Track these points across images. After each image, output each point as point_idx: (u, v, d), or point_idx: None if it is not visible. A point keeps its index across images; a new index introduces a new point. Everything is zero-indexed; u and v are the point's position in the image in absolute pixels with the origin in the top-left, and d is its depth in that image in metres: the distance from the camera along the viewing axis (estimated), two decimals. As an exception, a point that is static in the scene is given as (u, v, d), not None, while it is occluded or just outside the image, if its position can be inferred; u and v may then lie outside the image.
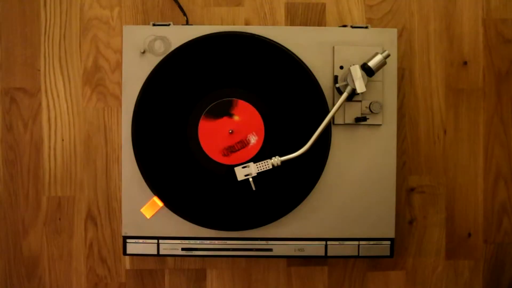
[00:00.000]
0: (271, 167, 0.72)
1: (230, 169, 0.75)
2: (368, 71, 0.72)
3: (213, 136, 0.74)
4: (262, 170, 0.72)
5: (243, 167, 0.72)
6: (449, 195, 0.86)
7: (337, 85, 0.74)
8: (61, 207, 0.85)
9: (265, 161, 0.72)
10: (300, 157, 0.75)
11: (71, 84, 0.85)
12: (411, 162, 0.86)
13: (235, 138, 0.74)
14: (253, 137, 0.74)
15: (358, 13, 0.85)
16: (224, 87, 0.75)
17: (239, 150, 0.74)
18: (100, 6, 0.85)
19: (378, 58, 0.72)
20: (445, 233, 0.86)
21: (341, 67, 0.76)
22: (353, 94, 0.72)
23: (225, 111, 0.74)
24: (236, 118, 0.74)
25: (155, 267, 0.85)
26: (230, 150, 0.74)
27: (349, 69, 0.71)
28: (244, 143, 0.74)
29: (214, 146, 0.75)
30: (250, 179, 0.72)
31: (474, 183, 0.86)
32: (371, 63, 0.72)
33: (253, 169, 0.72)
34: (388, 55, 0.72)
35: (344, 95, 0.72)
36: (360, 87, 0.70)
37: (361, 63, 0.72)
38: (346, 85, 0.72)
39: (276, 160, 0.71)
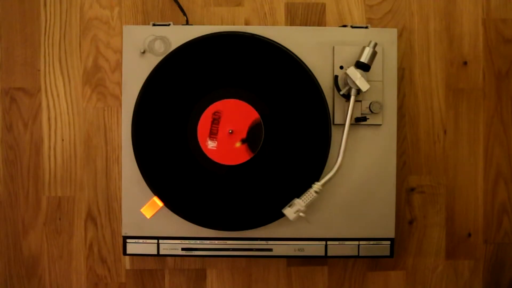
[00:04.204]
0: (315, 194, 0.71)
1: (230, 169, 0.75)
2: (363, 67, 0.72)
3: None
4: (309, 201, 0.71)
5: (289, 206, 0.71)
6: (449, 195, 0.86)
7: (341, 93, 0.74)
8: (61, 207, 0.85)
9: (307, 191, 0.71)
10: (300, 157, 0.75)
11: (71, 84, 0.85)
12: (411, 162, 0.86)
13: (227, 135, 0.74)
14: (213, 143, 0.73)
15: (358, 13, 0.85)
16: (224, 87, 0.75)
17: (212, 129, 0.73)
18: (100, 6, 0.85)
19: (367, 51, 0.72)
20: (445, 233, 0.86)
21: (341, 67, 0.76)
22: (358, 94, 0.72)
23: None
24: (238, 144, 0.75)
25: (155, 267, 0.85)
26: (214, 118, 0.73)
27: (345, 73, 0.72)
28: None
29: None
30: (302, 215, 0.71)
31: (474, 183, 0.86)
32: (363, 59, 0.72)
33: (301, 203, 0.71)
34: (375, 44, 0.72)
35: (352, 98, 0.72)
36: (363, 85, 0.71)
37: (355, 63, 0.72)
38: (350, 89, 0.72)
39: (317, 186, 0.71)
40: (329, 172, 0.74)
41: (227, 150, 0.74)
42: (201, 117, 0.75)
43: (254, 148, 0.75)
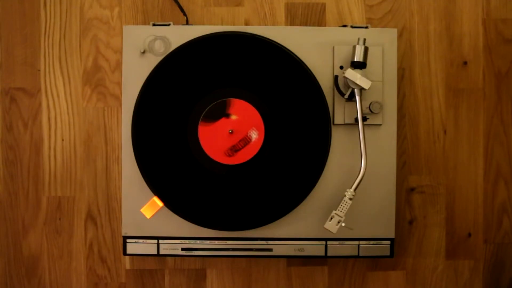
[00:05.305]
0: (350, 202, 0.71)
1: (231, 169, 0.75)
2: (360, 65, 0.72)
3: (213, 137, 0.74)
4: (346, 209, 0.71)
5: (330, 220, 0.71)
6: (449, 195, 0.86)
7: (345, 96, 0.74)
8: (61, 207, 0.85)
9: (342, 200, 0.71)
10: (300, 157, 0.75)
11: (71, 84, 0.85)
12: (411, 162, 0.86)
13: (236, 137, 0.74)
14: (254, 132, 0.73)
15: (358, 13, 0.85)
16: (224, 87, 0.75)
17: (242, 148, 0.74)
18: (100, 6, 0.85)
19: (359, 48, 0.73)
20: (445, 233, 0.86)
21: (341, 67, 0.76)
22: (360, 93, 0.72)
23: (221, 112, 0.74)
24: (233, 117, 0.74)
25: (155, 267, 0.85)
26: (234, 149, 0.74)
27: (344, 77, 0.72)
28: (246, 140, 0.74)
29: (215, 147, 0.75)
30: (343, 224, 0.71)
31: (474, 183, 0.86)
32: (357, 57, 0.72)
33: (340, 214, 0.71)
34: (364, 40, 0.73)
35: (358, 99, 0.72)
36: (365, 83, 0.71)
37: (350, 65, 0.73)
38: (353, 90, 0.72)
39: (350, 193, 0.71)
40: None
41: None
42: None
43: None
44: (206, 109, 0.75)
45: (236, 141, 0.74)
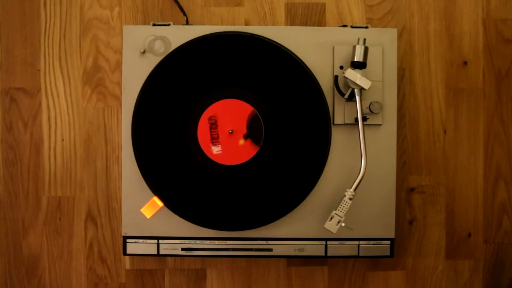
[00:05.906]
0: (350, 202, 0.71)
1: (230, 169, 0.75)
2: (360, 65, 0.72)
3: (226, 111, 0.74)
4: (346, 209, 0.71)
5: (330, 220, 0.71)
6: (449, 195, 0.86)
7: (345, 96, 0.74)
8: (61, 207, 0.85)
9: (342, 200, 0.71)
10: (300, 157, 0.75)
11: (71, 84, 0.85)
12: (411, 162, 0.86)
13: (228, 136, 0.74)
14: (218, 147, 0.74)
15: (358, 13, 0.85)
16: (224, 87, 0.75)
17: (211, 133, 0.73)
18: (100, 6, 0.85)
19: (359, 48, 0.73)
20: (445, 233, 0.86)
21: (341, 67, 0.76)
22: (360, 93, 0.72)
23: (253, 132, 0.74)
24: (245, 141, 0.74)
25: (155, 267, 0.85)
26: (213, 124, 0.73)
27: (344, 77, 0.72)
28: (215, 138, 0.73)
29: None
30: (343, 224, 0.71)
31: (474, 183, 0.86)
32: (357, 57, 0.73)
33: (340, 214, 0.71)
34: (365, 40, 0.73)
35: (358, 99, 0.72)
36: (365, 83, 0.71)
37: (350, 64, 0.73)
38: (353, 90, 0.72)
39: (350, 192, 0.71)
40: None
41: (231, 151, 0.74)
42: (201, 118, 0.75)
43: (258, 140, 0.74)
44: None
45: (219, 131, 0.74)
